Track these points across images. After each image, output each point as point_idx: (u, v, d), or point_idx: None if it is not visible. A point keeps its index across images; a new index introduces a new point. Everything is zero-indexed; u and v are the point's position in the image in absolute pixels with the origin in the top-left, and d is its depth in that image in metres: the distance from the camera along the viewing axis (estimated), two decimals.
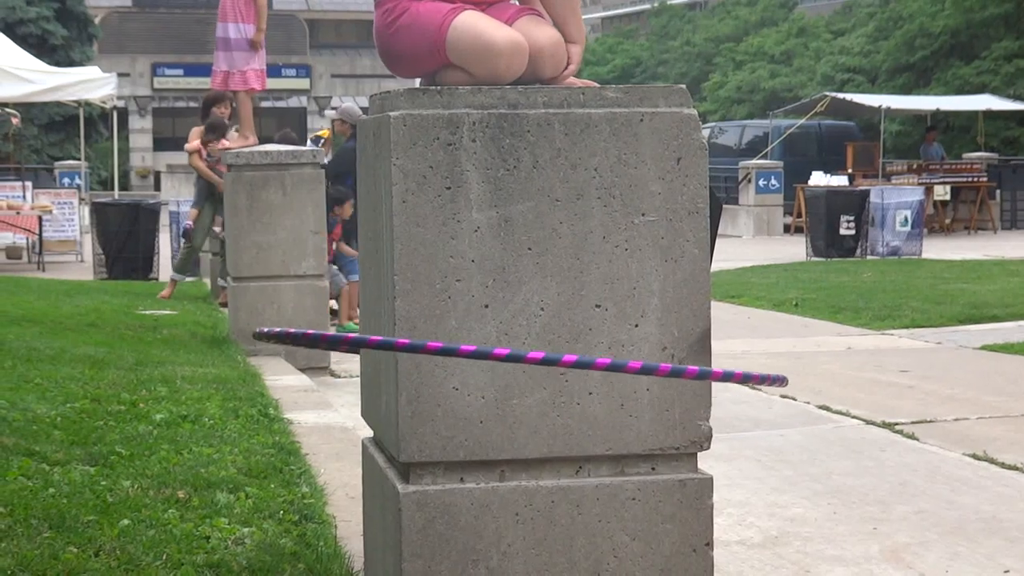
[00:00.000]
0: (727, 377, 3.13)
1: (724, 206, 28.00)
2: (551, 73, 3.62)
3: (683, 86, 3.51)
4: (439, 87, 3.38)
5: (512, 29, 3.57)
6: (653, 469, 3.44)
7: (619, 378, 3.38)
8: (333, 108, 14.83)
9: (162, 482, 5.35)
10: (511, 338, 3.32)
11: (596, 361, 2.96)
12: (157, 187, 46.40)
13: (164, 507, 4.99)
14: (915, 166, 28.90)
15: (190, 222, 14.97)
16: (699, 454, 3.49)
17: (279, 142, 15.26)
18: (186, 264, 15.13)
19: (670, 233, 3.40)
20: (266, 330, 3.27)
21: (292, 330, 3.06)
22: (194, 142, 14.48)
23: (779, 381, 3.18)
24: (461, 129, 3.32)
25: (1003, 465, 6.75)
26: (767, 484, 6.46)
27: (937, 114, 33.95)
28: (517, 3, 3.79)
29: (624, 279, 3.38)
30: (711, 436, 3.45)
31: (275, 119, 52.04)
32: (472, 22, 3.57)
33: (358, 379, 4.14)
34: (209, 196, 14.41)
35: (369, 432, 3.95)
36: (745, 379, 3.16)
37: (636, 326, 3.39)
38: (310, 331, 3.03)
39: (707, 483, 3.45)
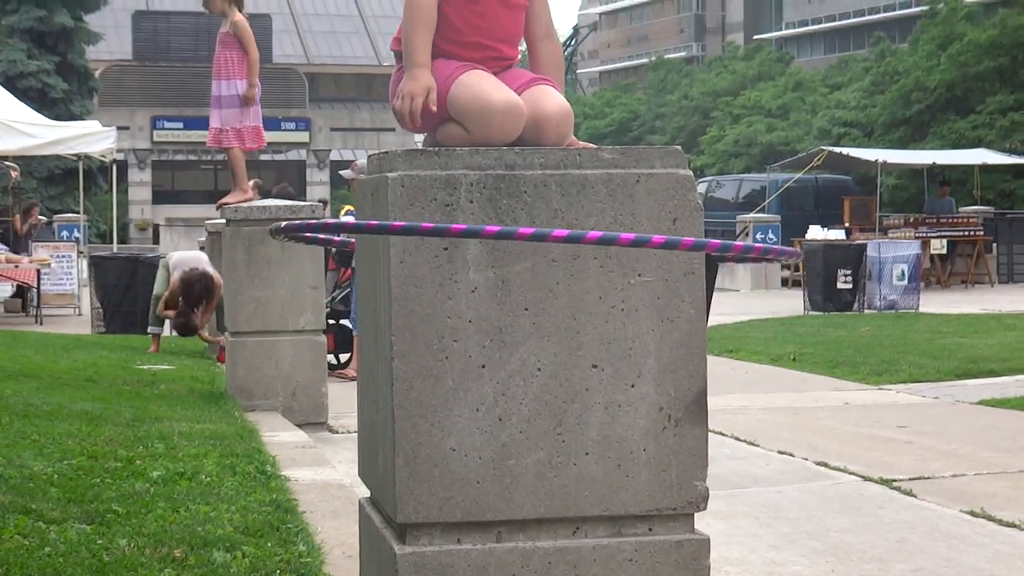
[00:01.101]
0: (725, 248, 3.24)
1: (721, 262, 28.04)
2: (555, 142, 3.64)
3: (678, 147, 3.53)
4: (437, 148, 3.41)
5: (512, 93, 3.60)
6: (650, 530, 3.43)
7: (616, 438, 3.38)
8: (346, 168, 14.90)
9: (159, 541, 5.34)
10: (508, 398, 3.33)
11: (587, 235, 3.06)
12: (156, 240, 46.39)
13: (161, 566, 4.98)
14: (912, 220, 28.97)
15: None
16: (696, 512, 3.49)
17: (276, 197, 15.32)
18: (158, 317, 15.10)
19: (666, 294, 3.42)
20: (284, 224, 3.42)
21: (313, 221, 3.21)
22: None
23: (788, 254, 3.47)
24: (458, 190, 3.33)
25: (1001, 522, 6.74)
26: (765, 541, 6.45)
27: (933, 168, 34.05)
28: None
29: (621, 339, 3.39)
30: (708, 496, 3.45)
31: (274, 172, 52.19)
32: (475, 81, 3.61)
33: (355, 435, 4.15)
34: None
35: (366, 491, 3.95)
36: (745, 252, 3.25)
37: (633, 386, 3.40)
38: (330, 220, 3.15)
39: (704, 544, 3.45)
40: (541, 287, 3.36)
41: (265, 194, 16.18)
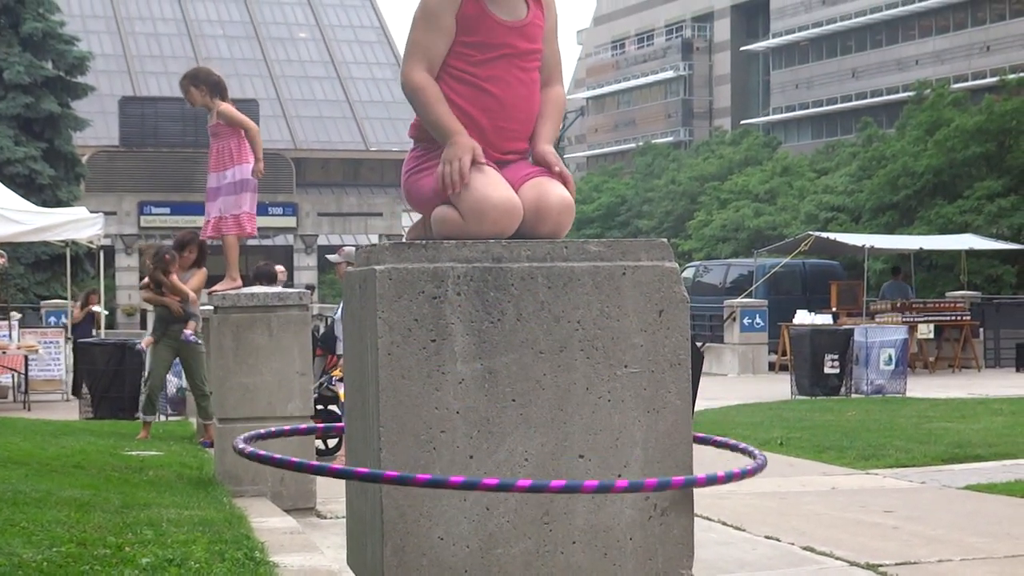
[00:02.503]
0: (711, 482, 3.31)
1: (709, 345, 28.15)
2: (551, 232, 3.68)
3: (664, 240, 3.60)
4: (424, 241, 3.46)
5: (510, 192, 3.64)
6: None
7: (603, 527, 3.42)
8: (332, 254, 14.98)
9: None
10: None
11: (584, 484, 3.07)
12: (143, 325, 46.43)
13: None
14: (899, 304, 29.08)
15: (143, 345, 15.07)
16: None
17: (255, 277, 15.37)
18: (151, 404, 15.07)
19: (652, 384, 3.47)
20: (249, 450, 3.40)
21: (276, 456, 3.18)
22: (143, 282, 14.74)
23: (758, 470, 3.47)
24: (446, 283, 3.39)
25: None
26: None
27: (920, 253, 34.24)
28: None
29: (607, 430, 3.44)
30: None
31: (261, 256, 52.25)
32: (476, 176, 3.63)
33: (344, 520, 4.18)
34: (165, 329, 14.52)
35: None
36: (728, 479, 3.31)
37: (619, 476, 3.44)
38: (294, 459, 3.14)
39: None
40: (528, 379, 3.41)
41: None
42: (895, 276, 31.52)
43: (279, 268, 16.31)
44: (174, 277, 14.34)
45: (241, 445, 3.74)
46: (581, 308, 3.45)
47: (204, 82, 11.16)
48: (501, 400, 3.39)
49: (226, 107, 10.96)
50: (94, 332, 22.79)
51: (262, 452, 3.56)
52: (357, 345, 3.73)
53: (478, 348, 3.39)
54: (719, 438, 4.04)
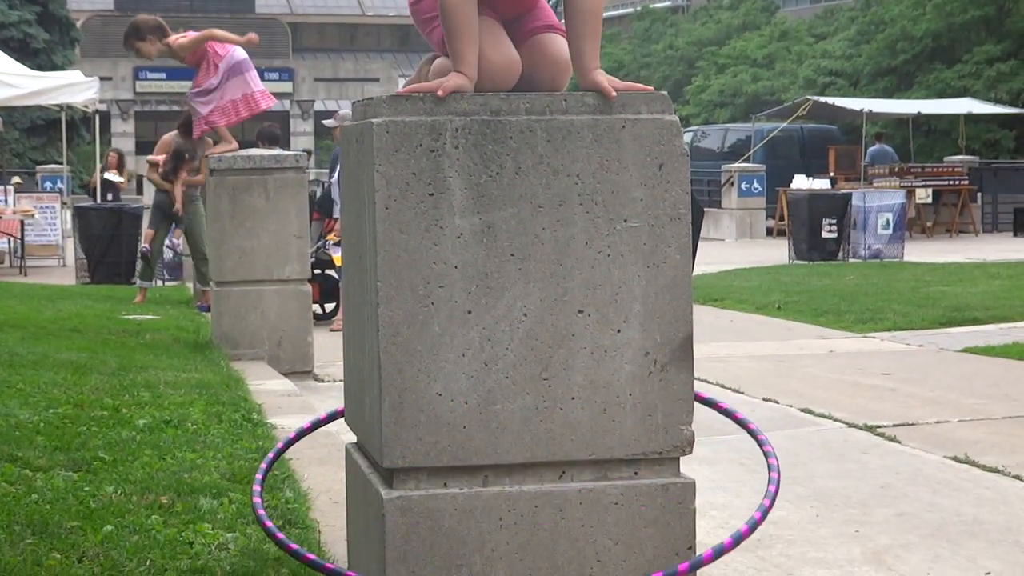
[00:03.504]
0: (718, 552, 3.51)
1: (706, 210, 28.06)
2: (549, 88, 3.60)
3: (664, 92, 3.53)
4: (421, 95, 3.39)
5: (510, 50, 3.55)
6: (636, 474, 3.45)
7: (602, 383, 3.39)
8: (328, 119, 14.84)
9: (145, 488, 5.35)
10: (494, 343, 3.34)
11: None
12: (139, 191, 46.31)
13: (147, 513, 4.99)
14: (897, 169, 28.98)
15: (147, 245, 14.93)
16: (681, 457, 3.51)
17: (259, 138, 15.24)
18: (148, 271, 15.05)
19: (652, 239, 3.42)
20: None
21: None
22: (157, 156, 14.54)
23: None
24: (444, 136, 3.33)
25: (984, 468, 6.78)
26: (750, 487, 6.48)
27: (919, 117, 34.04)
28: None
29: (606, 285, 3.39)
30: (694, 440, 3.47)
31: (257, 123, 52.01)
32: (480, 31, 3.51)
33: (341, 383, 4.16)
34: (164, 217, 14.50)
35: (353, 438, 3.96)
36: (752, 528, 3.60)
37: (619, 331, 3.40)
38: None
39: (690, 487, 3.47)
40: (527, 233, 3.36)
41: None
42: (878, 140, 31.38)
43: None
44: (178, 187, 14.30)
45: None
46: (580, 162, 3.38)
47: (148, 32, 11.06)
48: (500, 255, 3.35)
49: (178, 40, 10.95)
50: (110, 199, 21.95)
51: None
52: (354, 200, 3.67)
53: (476, 202, 3.34)
54: (724, 404, 4.01)
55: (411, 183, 3.32)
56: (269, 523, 3.93)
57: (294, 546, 3.85)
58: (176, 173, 14.24)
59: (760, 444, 3.84)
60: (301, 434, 4.41)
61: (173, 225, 14.98)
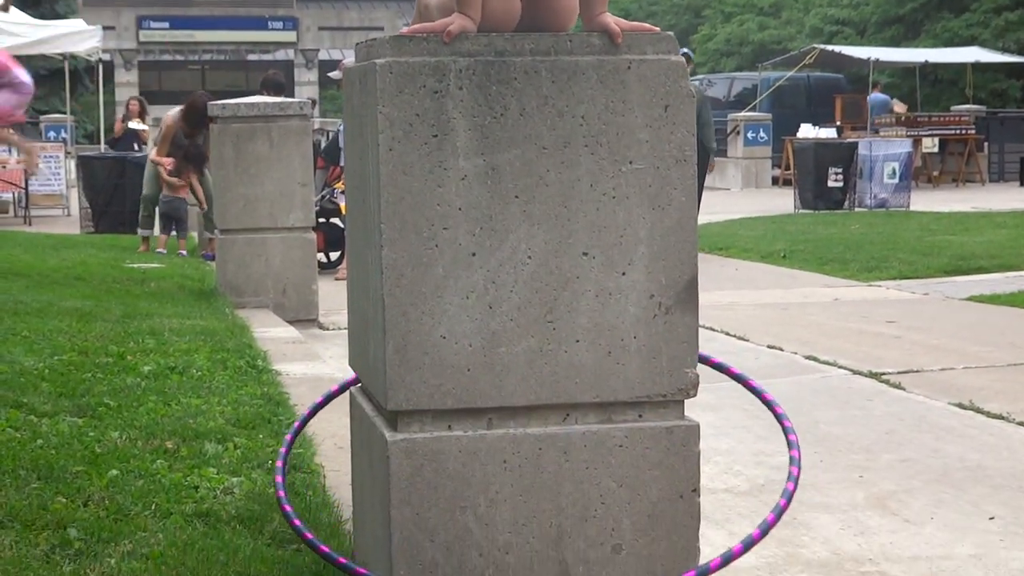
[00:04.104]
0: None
1: (713, 158, 27.99)
2: (553, 27, 3.54)
3: (671, 33, 3.50)
4: (425, 35, 3.36)
5: None
6: (640, 416, 3.44)
7: (607, 326, 3.38)
8: (335, 71, 14.82)
9: (150, 433, 5.36)
10: (498, 286, 3.32)
11: None
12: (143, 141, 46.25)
13: (152, 458, 5.00)
14: (903, 118, 28.88)
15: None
16: (686, 403, 3.50)
17: (263, 86, 15.18)
18: (148, 219, 15.05)
19: (657, 181, 3.40)
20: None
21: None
22: (161, 155, 14.58)
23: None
24: (448, 76, 3.30)
25: (988, 414, 6.78)
26: (753, 433, 6.49)
27: (926, 66, 33.89)
28: None
29: (611, 227, 3.38)
30: (698, 383, 3.46)
31: (262, 73, 51.88)
32: None
33: (346, 331, 4.16)
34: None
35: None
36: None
37: (623, 274, 3.39)
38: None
39: (694, 430, 3.46)
40: (532, 175, 3.34)
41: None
42: (875, 89, 31.26)
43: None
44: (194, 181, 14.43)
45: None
46: (585, 103, 3.36)
47: None
48: (504, 197, 3.33)
49: None
50: (136, 149, 21.58)
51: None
52: (357, 142, 3.65)
53: (480, 144, 3.31)
54: (735, 370, 3.96)
55: (415, 124, 3.29)
56: (297, 521, 3.91)
57: (325, 548, 3.83)
58: (183, 171, 14.36)
59: (785, 432, 3.83)
60: (315, 409, 4.41)
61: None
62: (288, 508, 3.92)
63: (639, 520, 3.43)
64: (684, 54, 14.45)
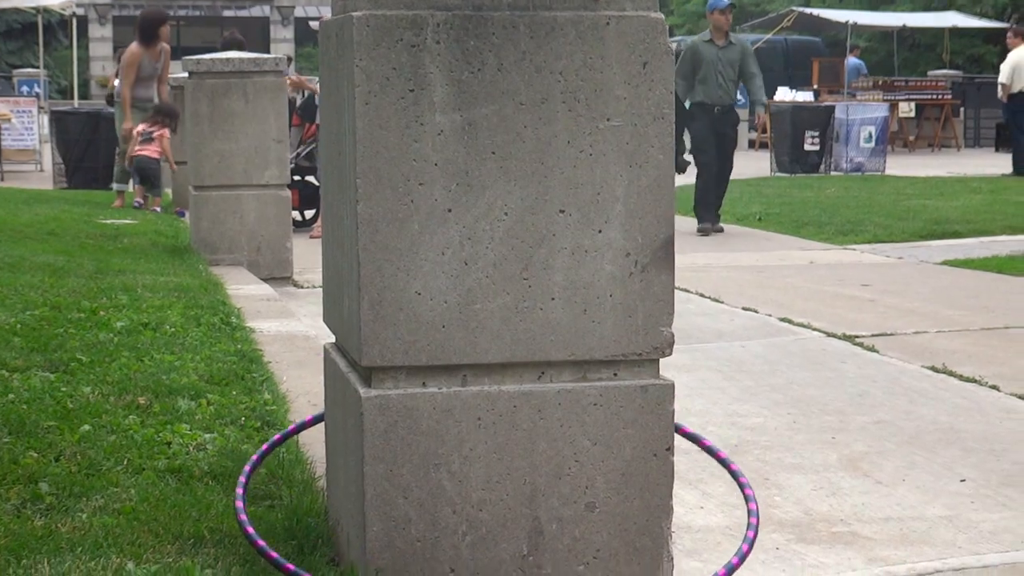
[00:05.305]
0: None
1: None
2: None
3: None
4: None
5: None
6: (615, 375, 3.43)
7: (582, 284, 3.37)
8: (315, 19, 14.73)
9: (123, 389, 5.33)
10: (474, 242, 3.30)
11: None
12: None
13: (125, 413, 4.98)
14: (880, 82, 28.89)
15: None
16: (661, 363, 3.49)
17: (223, 47, 15.10)
18: (123, 173, 15.00)
19: (635, 139, 3.38)
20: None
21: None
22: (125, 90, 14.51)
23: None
24: (425, 30, 3.27)
25: (962, 377, 6.80)
26: (728, 394, 6.49)
27: (904, 30, 33.88)
28: None
29: (588, 184, 3.36)
30: (673, 342, 3.45)
31: (237, 28, 51.56)
32: None
33: (320, 290, 4.14)
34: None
35: (332, 339, 3.94)
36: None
37: (600, 232, 3.37)
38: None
39: (668, 389, 3.46)
40: (509, 131, 3.32)
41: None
42: (851, 53, 31.25)
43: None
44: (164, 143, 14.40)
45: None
46: (563, 59, 3.33)
47: None
48: (481, 152, 3.30)
49: None
50: None
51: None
52: (334, 96, 3.62)
53: (457, 99, 3.29)
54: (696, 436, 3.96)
55: (391, 78, 3.27)
56: (250, 529, 3.67)
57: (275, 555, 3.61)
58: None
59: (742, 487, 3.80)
60: (286, 436, 4.20)
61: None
62: (250, 530, 3.70)
63: (613, 478, 3.43)
64: (729, 4, 14.35)
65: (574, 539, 3.43)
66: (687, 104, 14.33)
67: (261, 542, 3.56)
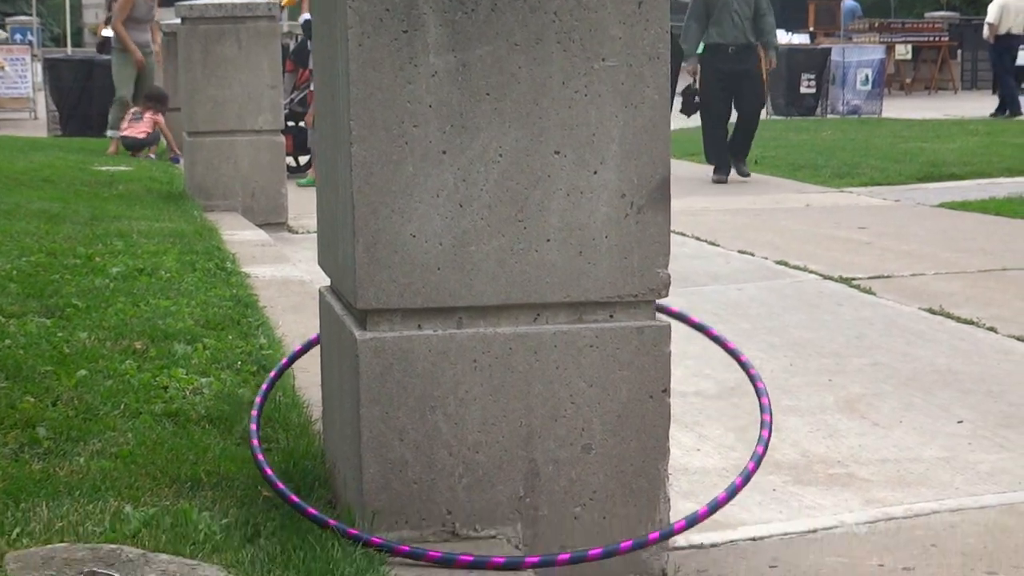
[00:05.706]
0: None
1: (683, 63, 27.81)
2: None
3: None
4: None
5: None
6: (611, 316, 3.43)
7: (577, 225, 3.35)
8: None
9: (119, 334, 5.33)
10: (469, 184, 3.29)
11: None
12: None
13: (122, 358, 4.98)
14: (877, 24, 28.78)
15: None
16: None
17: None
18: (118, 119, 14.98)
19: (630, 79, 3.36)
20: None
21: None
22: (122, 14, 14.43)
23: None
24: None
25: (959, 319, 6.80)
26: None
27: None
28: None
29: (583, 125, 3.34)
30: (669, 284, 3.44)
31: None
32: None
33: (315, 235, 4.12)
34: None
35: (327, 283, 3.93)
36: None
37: (595, 173, 3.36)
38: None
39: (664, 330, 3.45)
40: (503, 72, 3.30)
41: None
42: None
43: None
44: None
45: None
46: None
47: None
48: (475, 94, 3.28)
49: None
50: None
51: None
52: (326, 39, 3.60)
53: (451, 39, 3.27)
54: (695, 320, 3.92)
55: (385, 19, 3.24)
56: (269, 470, 3.66)
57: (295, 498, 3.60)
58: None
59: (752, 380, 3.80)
60: (281, 370, 4.20)
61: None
62: (269, 471, 3.69)
63: (609, 420, 3.43)
64: None
65: (570, 481, 3.43)
66: (700, 46, 14.02)
67: (280, 485, 3.56)
